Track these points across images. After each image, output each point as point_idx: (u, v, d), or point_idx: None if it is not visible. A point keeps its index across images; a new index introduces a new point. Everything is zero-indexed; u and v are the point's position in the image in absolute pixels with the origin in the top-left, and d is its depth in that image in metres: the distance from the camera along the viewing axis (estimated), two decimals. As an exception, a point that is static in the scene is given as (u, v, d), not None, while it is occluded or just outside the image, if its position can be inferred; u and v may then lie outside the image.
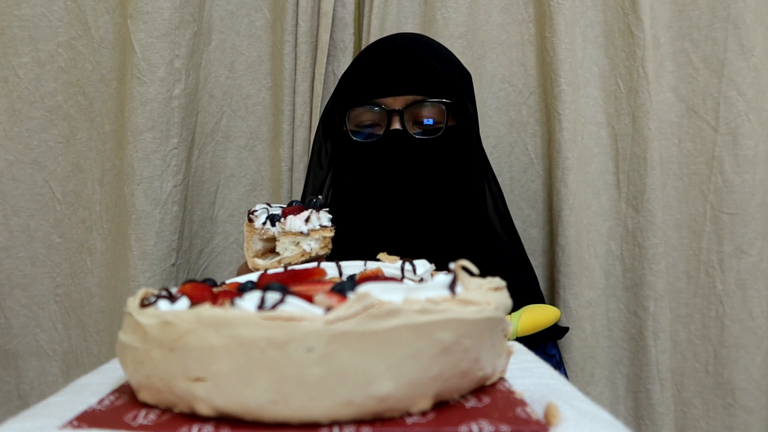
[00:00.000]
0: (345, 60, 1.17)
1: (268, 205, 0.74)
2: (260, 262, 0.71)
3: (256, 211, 0.72)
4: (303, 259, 0.69)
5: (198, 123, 1.16)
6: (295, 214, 0.70)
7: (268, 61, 1.19)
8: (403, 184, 0.84)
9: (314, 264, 0.58)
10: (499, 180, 1.19)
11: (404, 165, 0.84)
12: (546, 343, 0.92)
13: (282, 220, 0.69)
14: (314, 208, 0.70)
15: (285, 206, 0.73)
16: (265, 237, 0.71)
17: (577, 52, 1.13)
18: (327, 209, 0.72)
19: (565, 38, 1.10)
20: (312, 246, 0.69)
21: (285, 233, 0.69)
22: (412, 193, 0.85)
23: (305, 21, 1.13)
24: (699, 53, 1.16)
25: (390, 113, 0.83)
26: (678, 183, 1.18)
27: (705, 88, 1.16)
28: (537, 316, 0.78)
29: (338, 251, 0.89)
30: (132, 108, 1.06)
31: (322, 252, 0.70)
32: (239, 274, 0.78)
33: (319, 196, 0.73)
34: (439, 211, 0.86)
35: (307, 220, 0.69)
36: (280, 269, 0.56)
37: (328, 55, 1.15)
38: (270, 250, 0.72)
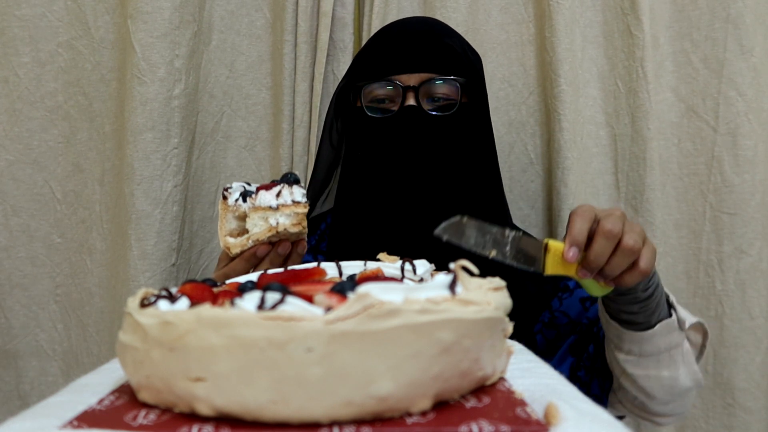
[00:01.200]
0: (345, 60, 1.17)
1: (247, 183, 0.71)
2: (231, 240, 0.68)
3: (230, 188, 0.69)
4: (271, 234, 0.66)
5: (198, 123, 1.16)
6: (267, 190, 0.66)
7: (268, 60, 1.19)
8: (418, 160, 0.85)
9: (314, 264, 0.58)
10: (499, 180, 1.19)
11: (418, 141, 0.84)
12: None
13: (253, 195, 0.66)
14: (287, 183, 0.67)
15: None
16: (237, 214, 0.68)
17: (576, 52, 1.14)
18: (302, 185, 0.68)
19: (565, 38, 1.10)
20: (280, 221, 0.65)
21: (255, 209, 0.66)
22: (426, 168, 0.85)
23: (305, 21, 1.13)
24: (699, 53, 1.16)
25: (405, 89, 0.84)
26: (677, 183, 1.18)
27: (704, 89, 1.16)
28: None
29: (352, 228, 0.90)
30: (132, 108, 1.06)
31: (294, 229, 0.66)
32: (219, 261, 0.76)
33: (295, 172, 0.70)
34: (454, 188, 0.87)
35: (278, 194, 0.65)
36: (279, 270, 0.56)
37: (328, 55, 1.15)
38: (245, 230, 0.69)
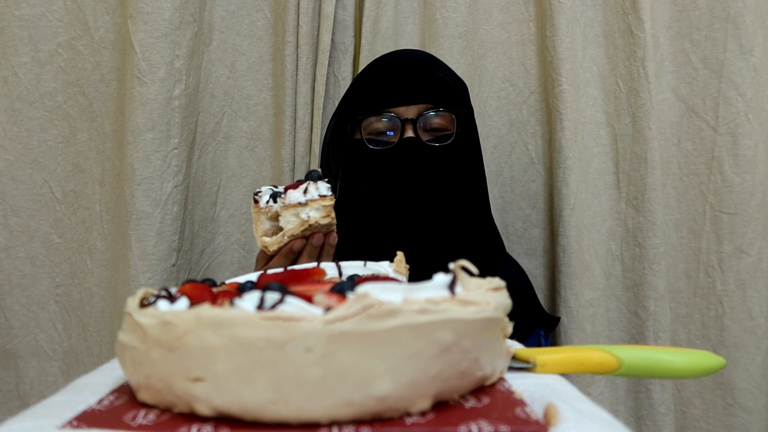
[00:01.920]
0: (346, 62, 1.17)
1: (274, 186, 0.75)
2: (267, 239, 0.72)
3: (260, 192, 0.73)
4: (303, 228, 0.70)
5: (199, 123, 1.16)
6: (295, 189, 0.71)
7: (269, 61, 1.19)
8: (418, 190, 0.88)
9: (314, 264, 0.58)
10: (500, 180, 1.20)
11: (418, 171, 0.87)
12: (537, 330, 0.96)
13: (282, 195, 0.71)
14: (312, 180, 0.71)
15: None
16: (269, 215, 0.72)
17: (577, 51, 1.14)
18: (326, 180, 0.72)
19: (566, 38, 1.10)
20: (311, 215, 0.70)
21: (286, 207, 0.70)
22: (426, 198, 0.88)
23: (306, 22, 1.13)
24: (698, 53, 1.16)
25: (404, 122, 0.87)
26: (678, 183, 1.18)
27: (704, 89, 1.16)
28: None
29: (349, 257, 0.91)
30: (132, 108, 1.06)
31: (324, 221, 0.70)
32: (257, 261, 0.81)
33: (318, 169, 0.75)
34: (452, 217, 0.89)
35: (305, 191, 0.70)
36: (279, 270, 0.56)
37: (329, 57, 1.15)
38: (279, 229, 0.73)
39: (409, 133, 0.87)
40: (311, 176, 0.72)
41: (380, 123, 0.89)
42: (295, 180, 1.16)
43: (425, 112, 0.87)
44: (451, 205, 0.89)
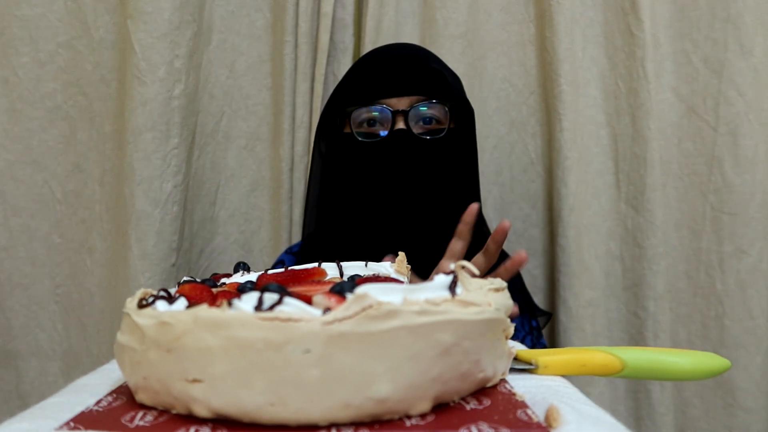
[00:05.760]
0: (345, 61, 1.17)
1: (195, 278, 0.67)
2: None
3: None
4: None
5: (198, 123, 1.16)
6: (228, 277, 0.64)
7: (269, 61, 1.19)
8: (408, 184, 0.85)
9: (314, 264, 0.58)
10: (500, 180, 1.20)
11: (408, 164, 0.85)
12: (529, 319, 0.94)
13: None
14: (245, 270, 0.64)
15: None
16: None
17: (577, 51, 1.13)
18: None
19: (566, 38, 1.10)
20: None
21: None
22: (415, 192, 0.86)
23: (305, 21, 1.13)
24: (699, 53, 1.16)
25: (395, 113, 0.84)
26: (678, 183, 1.18)
27: (705, 89, 1.15)
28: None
29: (338, 251, 0.90)
30: (132, 108, 1.06)
31: None
32: None
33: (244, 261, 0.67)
34: (441, 212, 0.87)
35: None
36: (280, 270, 0.56)
37: (328, 56, 1.15)
38: None
39: (400, 125, 0.84)
40: (241, 266, 0.65)
41: (370, 114, 0.86)
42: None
43: (417, 103, 0.84)
44: (437, 199, 0.87)
